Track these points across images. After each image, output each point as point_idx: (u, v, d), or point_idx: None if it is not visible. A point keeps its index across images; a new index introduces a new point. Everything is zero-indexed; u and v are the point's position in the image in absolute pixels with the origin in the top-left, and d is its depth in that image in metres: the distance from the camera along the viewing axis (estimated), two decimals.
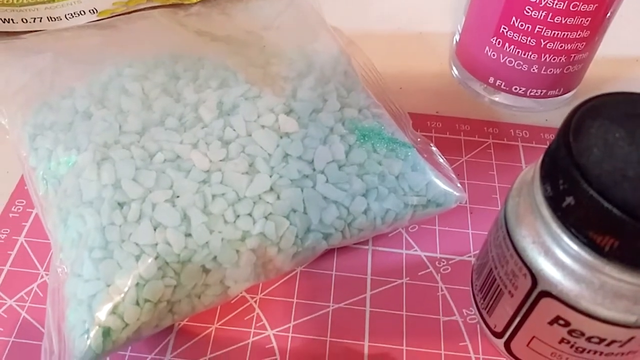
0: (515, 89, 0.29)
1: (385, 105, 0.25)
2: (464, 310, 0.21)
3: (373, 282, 0.22)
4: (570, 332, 0.17)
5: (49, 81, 0.24)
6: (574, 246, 0.16)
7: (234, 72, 0.23)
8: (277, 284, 0.22)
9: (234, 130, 0.21)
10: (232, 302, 0.21)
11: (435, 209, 0.22)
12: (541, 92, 0.29)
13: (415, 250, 0.23)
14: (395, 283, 0.22)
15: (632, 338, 0.17)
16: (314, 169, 0.21)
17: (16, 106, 0.23)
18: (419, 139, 0.24)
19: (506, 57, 0.28)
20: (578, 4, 0.25)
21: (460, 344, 0.21)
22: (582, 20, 0.26)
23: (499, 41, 0.27)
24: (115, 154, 0.20)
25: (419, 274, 0.22)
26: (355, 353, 0.20)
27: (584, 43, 0.27)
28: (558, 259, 0.16)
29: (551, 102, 0.29)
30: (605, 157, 0.15)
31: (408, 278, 0.22)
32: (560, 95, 0.29)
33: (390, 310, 0.21)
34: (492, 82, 0.29)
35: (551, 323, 0.17)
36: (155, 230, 0.18)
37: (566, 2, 0.25)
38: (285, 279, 0.22)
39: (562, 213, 0.16)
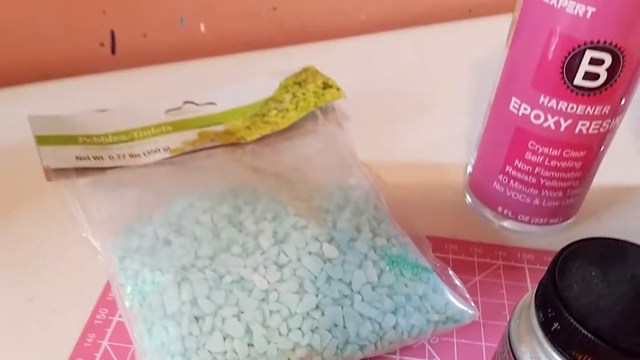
0: (521, 217, 0.33)
1: (409, 231, 0.29)
2: None
3: None
4: None
5: (133, 210, 0.29)
6: None
7: (285, 205, 0.28)
8: None
9: (287, 256, 0.26)
10: None
11: (453, 324, 0.26)
12: (543, 221, 0.33)
13: None
14: None
15: None
16: (351, 290, 0.25)
17: (106, 232, 0.28)
18: (438, 264, 0.28)
19: (511, 192, 0.33)
20: (570, 151, 0.30)
21: None
22: (574, 164, 0.31)
23: (505, 178, 0.32)
24: (192, 276, 0.25)
25: None
26: None
27: (578, 181, 0.32)
28: None
29: (553, 229, 0.34)
30: (583, 292, 0.20)
31: None
32: (560, 223, 0.34)
33: None
34: (500, 211, 0.34)
35: None
36: (224, 340, 0.23)
37: (559, 149, 0.30)
38: None
39: (551, 335, 0.20)
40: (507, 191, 0.33)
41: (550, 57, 0.27)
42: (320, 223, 0.27)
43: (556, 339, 0.20)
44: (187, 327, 0.23)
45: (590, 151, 0.30)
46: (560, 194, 0.32)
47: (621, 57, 0.26)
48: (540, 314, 0.20)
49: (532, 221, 0.33)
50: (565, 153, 0.30)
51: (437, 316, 0.26)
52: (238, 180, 0.30)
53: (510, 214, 0.33)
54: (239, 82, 0.38)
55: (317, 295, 0.25)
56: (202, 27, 0.50)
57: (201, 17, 0.49)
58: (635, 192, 0.38)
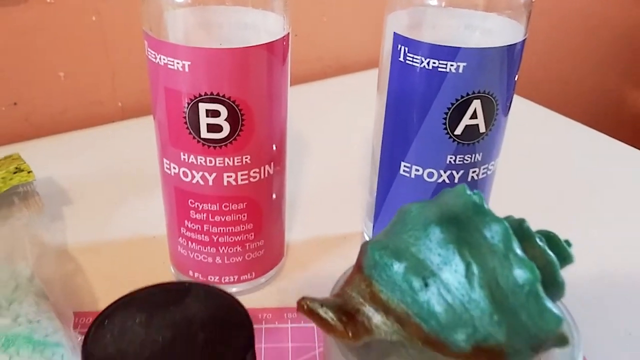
0: (211, 278, 0.33)
1: (62, 312, 0.28)
2: None
3: None
4: None
5: None
6: None
7: None
8: None
9: None
10: None
11: None
12: (235, 279, 0.33)
13: None
14: None
15: None
16: None
17: None
18: (79, 338, 0.26)
19: (193, 253, 0.32)
20: (228, 204, 0.30)
21: None
22: (239, 217, 0.31)
23: (184, 240, 0.32)
24: None
25: None
26: None
27: (253, 234, 0.32)
28: None
29: (252, 284, 0.33)
30: (116, 341, 0.18)
31: None
32: (255, 278, 0.33)
33: None
34: (192, 274, 0.33)
35: None
36: None
37: (217, 204, 0.30)
38: None
39: None
40: (190, 253, 0.32)
41: (172, 114, 0.28)
42: None
43: None
44: None
45: (252, 202, 0.31)
46: (239, 248, 0.32)
47: (235, 107, 0.27)
48: None
49: (223, 280, 0.33)
50: (225, 207, 0.30)
51: None
52: None
53: (200, 276, 0.33)
54: None
55: None
56: None
57: None
58: (341, 242, 0.38)
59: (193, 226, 0.31)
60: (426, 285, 0.18)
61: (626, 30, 0.93)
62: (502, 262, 0.17)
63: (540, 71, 0.86)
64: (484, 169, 0.31)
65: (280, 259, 0.35)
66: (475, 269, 0.17)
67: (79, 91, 0.52)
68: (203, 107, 0.27)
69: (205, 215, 0.30)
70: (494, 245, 0.18)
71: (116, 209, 0.41)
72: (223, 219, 0.30)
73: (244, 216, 0.31)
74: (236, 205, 0.30)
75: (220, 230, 0.31)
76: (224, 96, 0.27)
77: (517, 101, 0.60)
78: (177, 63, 0.26)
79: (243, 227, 0.31)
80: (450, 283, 0.18)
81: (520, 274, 0.17)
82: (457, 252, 0.18)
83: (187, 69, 0.26)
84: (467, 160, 0.30)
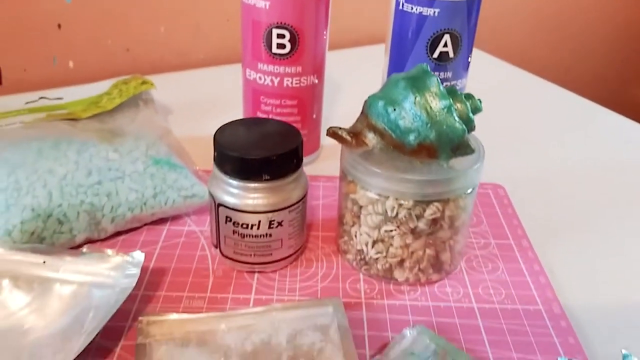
0: None
1: (182, 156, 0.45)
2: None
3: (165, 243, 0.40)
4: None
5: None
6: (223, 176, 0.35)
7: (93, 139, 0.43)
8: None
9: (83, 159, 0.40)
10: None
11: (199, 199, 0.41)
12: None
13: (192, 227, 0.41)
14: (173, 241, 0.40)
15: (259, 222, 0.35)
16: (124, 174, 0.40)
17: None
18: (196, 167, 0.43)
19: None
20: (286, 100, 0.47)
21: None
22: (292, 110, 0.47)
23: None
24: (18, 169, 0.39)
25: (191, 237, 0.40)
26: None
27: (301, 123, 0.48)
28: (222, 185, 0.35)
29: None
30: (231, 135, 0.35)
31: (184, 238, 0.40)
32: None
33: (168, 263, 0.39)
34: None
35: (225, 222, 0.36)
36: (33, 198, 0.37)
37: (279, 99, 0.46)
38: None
39: (216, 162, 0.35)
40: None
41: (255, 37, 0.44)
42: (113, 144, 0.42)
43: (217, 162, 0.35)
44: (9, 193, 0.37)
45: (301, 100, 0.47)
46: None
47: (295, 32, 0.44)
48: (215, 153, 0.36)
49: None
50: (283, 102, 0.47)
51: (185, 192, 0.41)
52: (64, 133, 0.45)
53: None
54: (84, 85, 0.53)
55: (99, 176, 0.39)
56: (71, 64, 0.66)
57: (70, 57, 0.65)
58: None
59: (262, 115, 0.47)
60: (394, 110, 0.34)
61: (627, 26, 1.06)
62: (433, 96, 0.33)
63: (548, 57, 1.00)
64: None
65: (317, 149, 0.51)
66: (419, 99, 0.33)
67: (173, 43, 0.70)
68: (275, 32, 0.44)
69: (270, 107, 0.47)
70: (430, 88, 0.34)
71: (201, 118, 0.58)
72: (282, 111, 0.47)
73: (295, 110, 0.47)
74: (291, 101, 0.47)
75: (280, 118, 0.47)
76: (288, 25, 0.43)
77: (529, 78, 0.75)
78: (261, 3, 0.43)
79: (295, 118, 0.47)
80: (406, 108, 0.34)
81: (442, 102, 0.33)
82: (411, 92, 0.34)
83: (267, 7, 0.43)
84: (442, 75, 0.45)
